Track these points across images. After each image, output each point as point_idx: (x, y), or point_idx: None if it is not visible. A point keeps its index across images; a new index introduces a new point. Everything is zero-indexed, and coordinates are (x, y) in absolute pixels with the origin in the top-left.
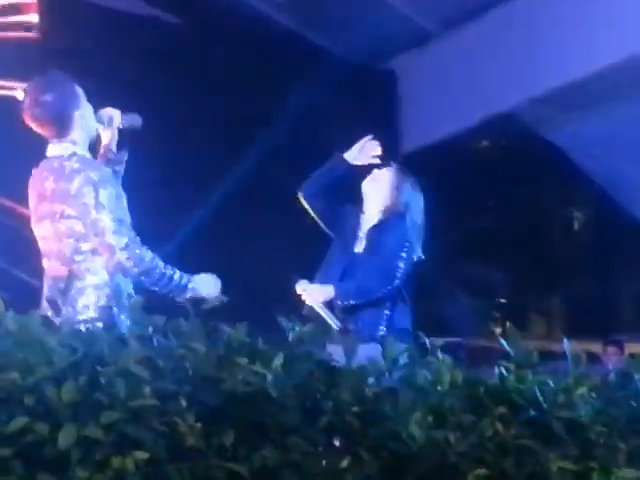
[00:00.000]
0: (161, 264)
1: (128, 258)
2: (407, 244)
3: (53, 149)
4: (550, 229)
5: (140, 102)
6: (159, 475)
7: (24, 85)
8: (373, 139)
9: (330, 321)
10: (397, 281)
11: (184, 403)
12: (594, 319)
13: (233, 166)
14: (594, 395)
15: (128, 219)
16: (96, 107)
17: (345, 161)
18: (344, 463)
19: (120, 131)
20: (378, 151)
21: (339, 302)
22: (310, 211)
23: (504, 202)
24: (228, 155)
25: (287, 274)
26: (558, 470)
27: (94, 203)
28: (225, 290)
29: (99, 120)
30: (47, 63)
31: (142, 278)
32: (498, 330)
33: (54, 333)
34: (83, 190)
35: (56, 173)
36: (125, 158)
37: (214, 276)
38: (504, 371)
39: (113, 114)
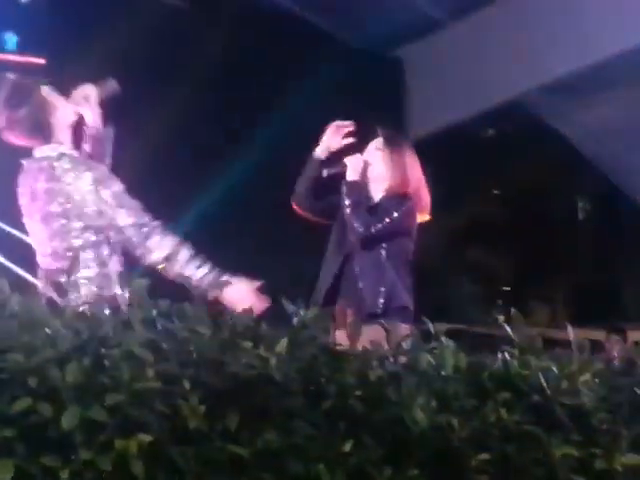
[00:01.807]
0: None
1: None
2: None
3: (41, 151)
4: (555, 217)
5: (143, 84)
6: (162, 457)
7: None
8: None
9: None
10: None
11: (188, 386)
12: (597, 307)
13: (234, 152)
14: (598, 382)
15: (136, 206)
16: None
17: (317, 160)
18: (347, 447)
19: (101, 104)
20: (349, 127)
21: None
22: (310, 216)
23: (509, 190)
24: (229, 141)
25: (295, 256)
26: (561, 456)
27: (96, 200)
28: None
29: (76, 102)
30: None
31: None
32: (501, 317)
33: (58, 315)
34: (79, 186)
35: (47, 173)
36: (112, 134)
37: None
38: (508, 357)
39: (88, 91)
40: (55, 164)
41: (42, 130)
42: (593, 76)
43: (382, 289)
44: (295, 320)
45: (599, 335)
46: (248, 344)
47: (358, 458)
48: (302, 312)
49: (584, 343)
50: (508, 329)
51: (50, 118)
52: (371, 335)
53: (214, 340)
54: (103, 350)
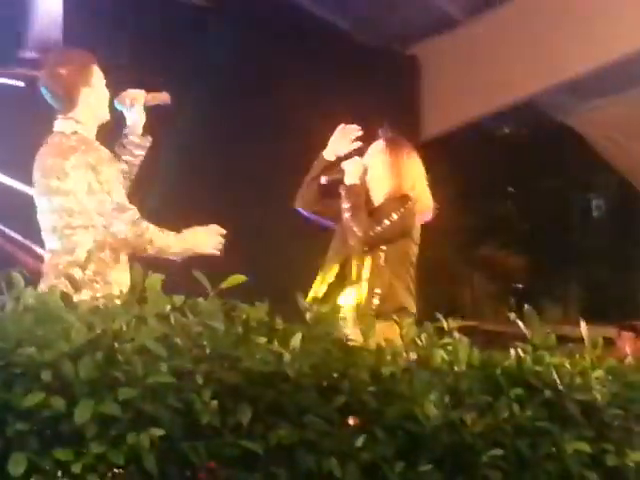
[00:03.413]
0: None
1: (139, 235)
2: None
3: (58, 124)
4: (568, 215)
5: (165, 84)
6: (174, 452)
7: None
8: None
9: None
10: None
11: (201, 381)
12: (610, 305)
13: (248, 150)
14: (610, 378)
15: (125, 200)
16: (119, 88)
17: (325, 162)
18: (360, 442)
19: (147, 111)
20: (357, 133)
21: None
22: (311, 216)
23: (523, 188)
24: (244, 138)
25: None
26: (573, 452)
27: (92, 183)
28: (244, 270)
29: (121, 102)
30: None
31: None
32: (513, 315)
33: (72, 309)
34: (78, 170)
35: (55, 148)
36: (148, 144)
37: (213, 228)
38: (521, 353)
39: (135, 95)
40: (64, 140)
41: (67, 96)
42: (610, 75)
43: (377, 290)
44: (308, 315)
45: (611, 333)
46: (262, 339)
47: (371, 453)
48: (315, 308)
49: (597, 340)
50: (522, 326)
51: (80, 89)
52: (384, 331)
53: (228, 335)
54: (116, 344)
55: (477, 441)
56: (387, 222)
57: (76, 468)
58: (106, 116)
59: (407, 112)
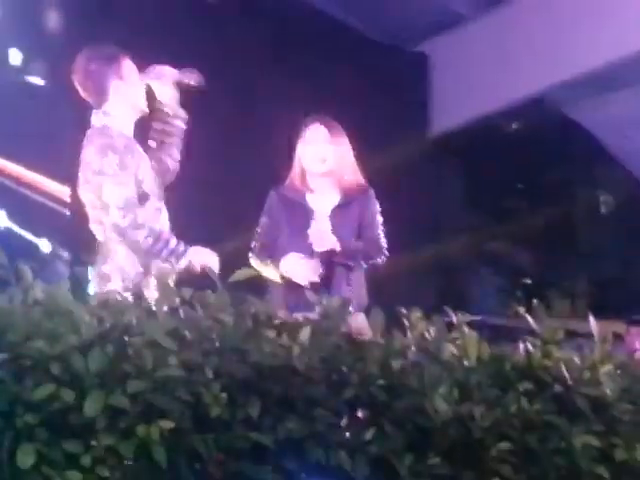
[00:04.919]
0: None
1: (123, 217)
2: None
3: (93, 119)
4: (577, 210)
5: None
6: (184, 444)
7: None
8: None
9: None
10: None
11: (210, 374)
12: (618, 299)
13: (258, 148)
14: (619, 373)
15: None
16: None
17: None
18: (368, 435)
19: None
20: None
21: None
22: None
23: (533, 184)
24: (249, 136)
25: None
26: (582, 446)
27: (97, 169)
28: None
29: (148, 78)
30: (87, 38)
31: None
32: (522, 309)
33: (82, 303)
34: (91, 157)
35: (86, 142)
36: (185, 115)
37: (210, 251)
38: (530, 347)
39: (164, 70)
40: (93, 133)
41: (97, 91)
42: (619, 71)
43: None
44: (317, 309)
45: (619, 327)
46: (271, 333)
47: (379, 446)
48: (325, 302)
49: (606, 334)
50: (530, 320)
51: (109, 83)
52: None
53: (237, 329)
54: (126, 338)
55: (486, 435)
56: (378, 234)
57: (86, 460)
58: (142, 107)
59: (416, 109)
